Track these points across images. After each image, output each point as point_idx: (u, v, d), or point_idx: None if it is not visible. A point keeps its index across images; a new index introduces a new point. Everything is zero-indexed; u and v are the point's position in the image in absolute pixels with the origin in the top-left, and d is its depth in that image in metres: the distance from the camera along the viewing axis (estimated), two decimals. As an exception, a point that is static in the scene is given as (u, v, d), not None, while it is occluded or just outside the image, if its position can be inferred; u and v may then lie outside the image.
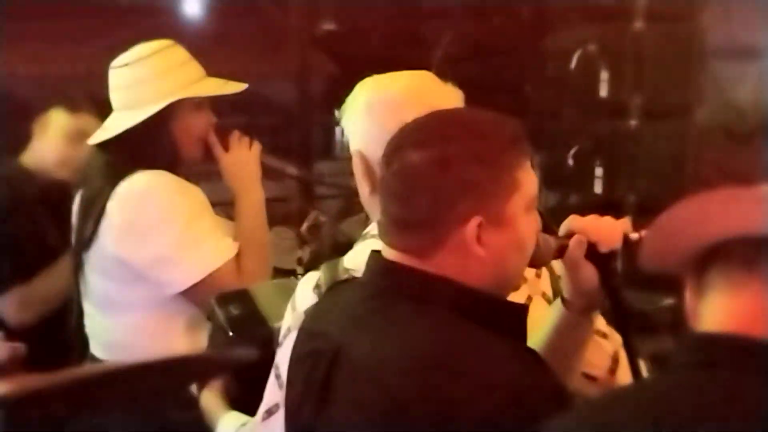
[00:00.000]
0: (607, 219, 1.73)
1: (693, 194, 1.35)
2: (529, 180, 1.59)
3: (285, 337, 1.90)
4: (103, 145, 2.70)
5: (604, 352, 1.97)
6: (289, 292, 2.25)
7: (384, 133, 1.65)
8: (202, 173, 2.84)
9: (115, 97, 2.70)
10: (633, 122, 5.10)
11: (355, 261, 1.78)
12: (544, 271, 2.01)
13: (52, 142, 3.28)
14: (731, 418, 1.21)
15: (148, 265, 2.57)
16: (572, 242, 1.71)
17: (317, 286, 1.98)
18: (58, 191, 3.04)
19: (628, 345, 1.77)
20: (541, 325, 1.82)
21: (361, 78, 2.01)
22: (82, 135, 3.16)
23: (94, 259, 2.67)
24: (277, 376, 1.90)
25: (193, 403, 2.34)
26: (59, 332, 3.19)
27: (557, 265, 1.87)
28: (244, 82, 2.77)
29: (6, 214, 3.00)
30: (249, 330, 2.26)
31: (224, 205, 2.88)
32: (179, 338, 2.62)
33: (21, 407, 1.50)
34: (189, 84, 2.65)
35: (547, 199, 5.78)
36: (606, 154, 5.18)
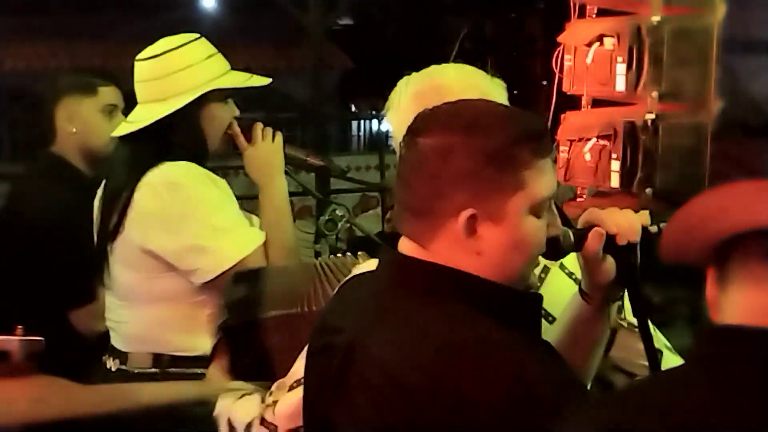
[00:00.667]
0: (626, 212, 1.73)
1: (710, 188, 1.35)
2: (538, 181, 1.57)
3: None
4: (128, 137, 2.70)
5: None
6: (300, 276, 2.28)
7: None
8: (217, 168, 2.84)
9: (140, 89, 2.70)
10: (650, 115, 5.09)
11: None
12: None
13: (91, 124, 3.26)
14: (751, 411, 1.21)
15: (178, 255, 2.57)
16: (591, 235, 1.71)
17: None
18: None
19: (646, 337, 1.77)
20: (559, 310, 1.83)
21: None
22: (111, 108, 3.18)
23: (119, 251, 2.67)
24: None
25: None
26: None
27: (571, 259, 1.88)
28: (261, 76, 2.78)
29: (77, 228, 2.95)
30: (251, 314, 2.27)
31: (243, 200, 2.88)
32: (202, 331, 2.62)
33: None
34: (216, 76, 2.66)
35: (565, 193, 5.78)
36: (623, 148, 5.17)
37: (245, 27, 15.17)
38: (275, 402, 2.08)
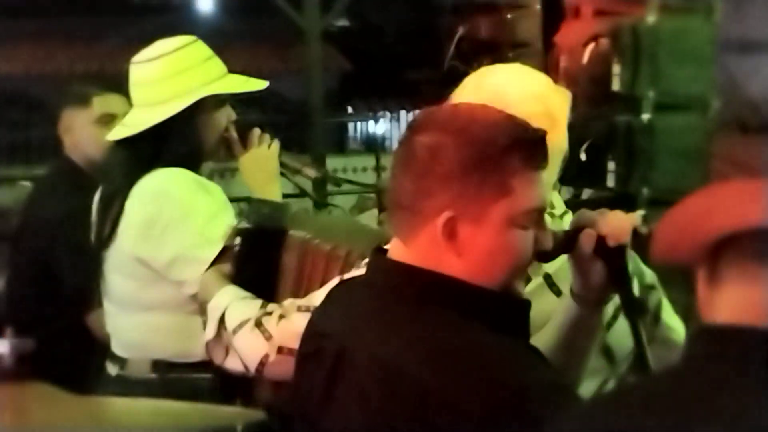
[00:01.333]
0: (617, 213, 1.73)
1: (706, 187, 1.35)
2: (525, 191, 1.57)
3: None
4: (123, 141, 2.70)
5: None
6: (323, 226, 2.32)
7: None
8: (216, 170, 2.84)
9: (136, 93, 2.68)
10: (646, 116, 5.09)
11: None
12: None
13: (84, 136, 3.29)
14: (744, 410, 1.21)
15: (165, 265, 2.56)
16: (582, 236, 1.70)
17: None
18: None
19: (637, 338, 1.77)
20: (549, 317, 1.83)
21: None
22: (111, 117, 3.18)
23: (113, 258, 2.67)
24: None
25: None
26: (82, 330, 3.22)
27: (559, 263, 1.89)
28: (257, 78, 2.77)
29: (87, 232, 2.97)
30: (264, 224, 2.36)
31: (242, 201, 2.88)
32: (198, 339, 2.61)
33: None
34: (212, 80, 2.64)
35: (560, 194, 5.78)
36: (619, 148, 5.17)
37: (241, 29, 15.18)
38: (282, 316, 2.11)
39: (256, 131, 2.69)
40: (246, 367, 2.17)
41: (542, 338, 1.74)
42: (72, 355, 3.17)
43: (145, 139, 2.65)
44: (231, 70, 2.76)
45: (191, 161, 2.64)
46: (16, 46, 15.46)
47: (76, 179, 3.23)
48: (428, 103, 1.98)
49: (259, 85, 2.72)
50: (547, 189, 2.11)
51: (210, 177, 2.79)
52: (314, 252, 2.28)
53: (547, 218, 1.75)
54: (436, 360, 1.46)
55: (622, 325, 1.89)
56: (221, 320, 2.22)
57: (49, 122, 3.45)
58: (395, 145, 1.66)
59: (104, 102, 3.25)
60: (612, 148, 5.19)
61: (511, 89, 1.99)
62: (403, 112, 15.89)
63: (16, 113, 15.91)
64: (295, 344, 1.80)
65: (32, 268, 3.30)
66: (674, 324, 2.13)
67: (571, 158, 5.64)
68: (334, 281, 1.96)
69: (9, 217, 7.13)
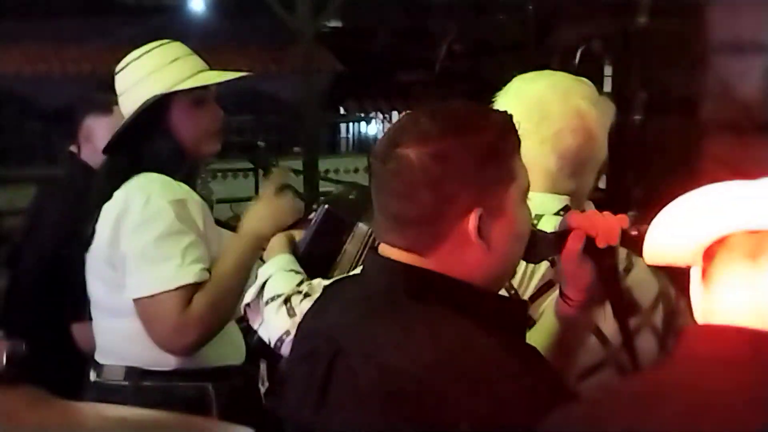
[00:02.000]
0: (606, 214, 1.73)
1: (697, 188, 1.35)
2: (523, 170, 1.61)
3: None
4: (110, 150, 2.70)
5: None
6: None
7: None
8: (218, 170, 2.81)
9: (119, 102, 2.70)
10: (637, 117, 5.11)
11: None
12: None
13: (100, 144, 3.28)
14: (736, 411, 1.22)
15: (118, 267, 2.54)
16: (571, 237, 1.71)
17: None
18: None
19: (626, 339, 1.77)
20: (539, 321, 1.84)
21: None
22: None
23: (89, 261, 2.67)
24: None
25: None
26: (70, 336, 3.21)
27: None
28: (250, 79, 2.75)
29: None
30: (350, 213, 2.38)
31: (234, 202, 2.86)
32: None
33: None
34: (179, 81, 2.61)
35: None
36: (610, 149, 5.19)
37: (234, 30, 15.16)
38: (308, 295, 2.15)
39: (283, 176, 2.70)
40: (269, 339, 2.21)
41: (532, 339, 1.74)
42: (68, 360, 3.17)
43: (124, 146, 2.65)
44: (223, 71, 2.74)
45: (172, 163, 2.62)
46: (7, 46, 15.42)
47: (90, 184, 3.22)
48: (420, 103, 1.98)
49: (228, 76, 2.67)
50: (582, 199, 2.14)
51: (213, 177, 2.78)
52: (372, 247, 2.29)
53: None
54: (436, 360, 1.46)
55: None
56: (262, 287, 2.26)
57: (43, 123, 3.47)
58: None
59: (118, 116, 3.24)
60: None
61: (553, 102, 2.01)
62: (395, 113, 15.89)
63: (8, 114, 15.88)
64: None
65: (40, 270, 3.30)
66: None
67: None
68: None
69: (2, 219, 7.12)
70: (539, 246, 1.68)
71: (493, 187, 1.55)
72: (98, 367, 2.67)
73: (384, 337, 1.52)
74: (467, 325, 1.50)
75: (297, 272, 2.28)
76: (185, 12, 16.94)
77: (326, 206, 2.42)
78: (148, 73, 2.61)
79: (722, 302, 1.32)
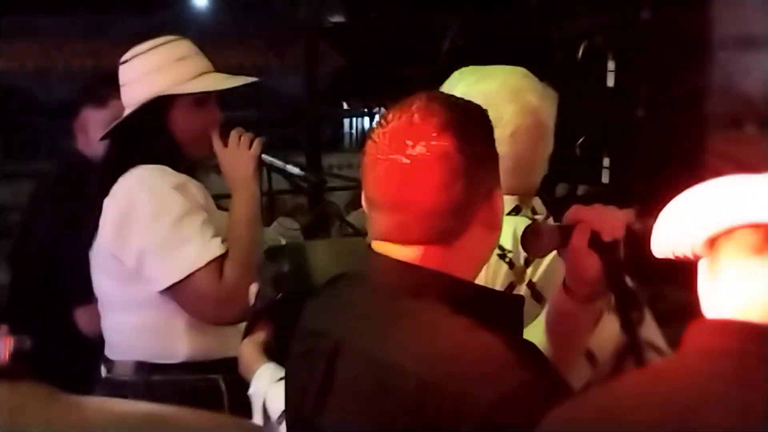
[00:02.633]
0: (611, 208, 1.73)
1: (702, 183, 1.35)
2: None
3: None
4: (109, 142, 2.71)
5: None
6: (341, 252, 2.28)
7: None
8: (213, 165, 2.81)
9: (121, 93, 2.71)
10: (640, 112, 5.10)
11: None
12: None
13: (99, 136, 3.29)
14: (741, 405, 1.22)
15: (134, 262, 2.55)
16: (576, 231, 1.71)
17: None
18: None
19: (631, 334, 1.77)
20: (543, 314, 1.84)
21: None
22: None
23: (95, 257, 2.67)
24: None
25: None
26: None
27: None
28: (253, 75, 2.75)
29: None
30: (295, 287, 2.28)
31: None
32: (179, 340, 2.60)
33: None
34: (183, 81, 2.62)
35: (556, 189, 5.78)
36: (614, 143, 5.18)
37: (237, 25, 15.17)
38: None
39: (237, 131, 2.67)
40: None
41: (535, 333, 1.74)
42: (74, 354, 3.18)
43: (122, 139, 2.67)
44: (225, 66, 2.75)
45: (169, 159, 2.63)
46: (12, 42, 15.43)
47: (87, 175, 3.22)
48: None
49: (236, 82, 2.69)
50: (532, 196, 2.13)
51: (207, 173, 2.79)
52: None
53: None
54: (436, 358, 1.46)
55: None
56: (264, 409, 2.18)
57: (47, 118, 3.48)
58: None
59: (120, 104, 3.24)
60: (607, 143, 5.20)
61: (505, 101, 2.00)
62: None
63: (11, 109, 15.90)
64: None
65: (39, 264, 3.30)
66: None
67: (566, 154, 5.66)
68: None
69: (6, 214, 7.14)
70: (544, 239, 1.68)
71: (497, 167, 1.62)
72: (108, 363, 2.68)
73: (385, 334, 1.53)
74: (466, 322, 1.51)
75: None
76: (188, 6, 16.95)
77: (277, 297, 2.36)
78: (151, 70, 2.62)
79: (728, 296, 1.32)
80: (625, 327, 1.75)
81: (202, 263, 2.50)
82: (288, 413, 1.76)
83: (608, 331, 1.87)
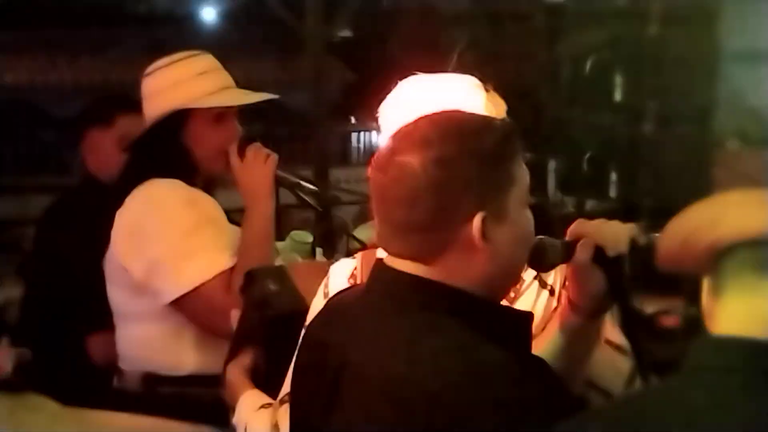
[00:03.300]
0: (615, 223, 1.73)
1: (707, 198, 1.35)
2: (523, 174, 1.60)
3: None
4: (128, 154, 2.73)
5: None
6: (323, 274, 2.27)
7: None
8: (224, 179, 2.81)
9: (143, 106, 2.72)
10: (648, 127, 5.11)
11: None
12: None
13: (108, 156, 3.29)
14: (743, 422, 1.22)
15: (143, 274, 2.55)
16: (579, 246, 1.71)
17: (353, 276, 2.01)
18: None
19: (636, 349, 1.77)
20: (547, 329, 1.83)
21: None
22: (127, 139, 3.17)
23: (107, 268, 2.68)
24: None
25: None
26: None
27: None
28: (261, 89, 2.75)
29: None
30: (284, 307, 2.25)
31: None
32: (188, 352, 2.60)
33: None
34: (202, 95, 2.63)
35: (563, 204, 5.78)
36: (621, 159, 5.19)
37: (244, 39, 15.18)
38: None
39: (254, 145, 2.67)
40: None
41: (540, 348, 1.74)
42: (87, 367, 3.18)
43: (139, 152, 2.68)
44: (234, 80, 2.74)
45: (184, 173, 2.64)
46: (20, 55, 15.47)
47: (96, 194, 3.22)
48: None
49: (254, 98, 2.69)
50: None
51: (216, 186, 2.79)
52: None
53: None
54: (445, 371, 1.45)
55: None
56: None
57: (55, 132, 3.47)
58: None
59: (127, 121, 3.23)
60: (614, 158, 5.21)
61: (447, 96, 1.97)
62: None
63: (19, 123, 15.93)
64: None
65: (52, 282, 3.30)
66: None
67: (573, 169, 5.67)
68: None
69: (13, 228, 7.13)
70: (548, 254, 1.67)
71: (494, 192, 1.55)
72: (119, 374, 2.69)
73: (394, 348, 1.52)
74: (475, 336, 1.50)
75: (266, 405, 2.14)
76: (196, 21, 16.98)
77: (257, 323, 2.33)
78: (171, 84, 2.63)
79: (732, 312, 1.32)
80: (630, 343, 1.75)
81: (210, 276, 2.51)
82: (293, 424, 1.75)
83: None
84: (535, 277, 1.94)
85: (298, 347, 1.77)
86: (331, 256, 3.13)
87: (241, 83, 2.80)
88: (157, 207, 2.56)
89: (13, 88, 15.35)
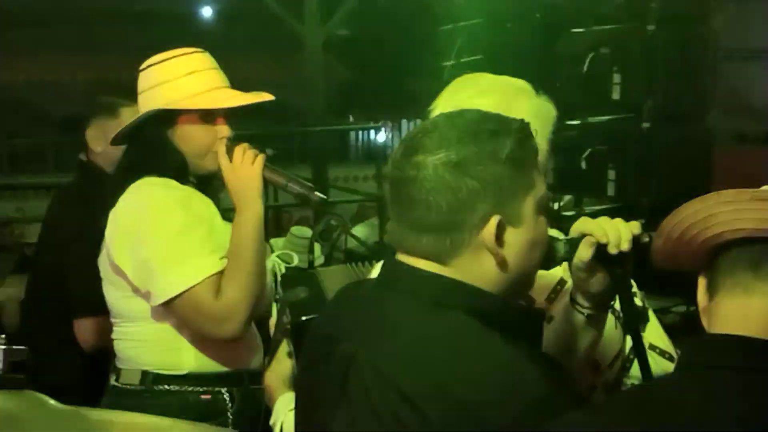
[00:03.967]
0: (617, 221, 1.73)
1: (702, 196, 1.36)
2: (540, 179, 1.59)
3: None
4: (123, 154, 2.73)
5: None
6: (350, 279, 2.26)
7: None
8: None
9: (139, 101, 2.72)
10: (645, 125, 5.11)
11: None
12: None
13: (112, 146, 3.30)
14: (737, 419, 1.23)
15: (134, 275, 2.55)
16: (582, 244, 1.71)
17: None
18: None
19: (637, 346, 1.78)
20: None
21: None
22: None
23: (101, 266, 2.68)
24: None
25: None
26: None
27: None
28: (259, 88, 2.74)
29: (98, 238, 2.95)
30: (313, 313, 2.25)
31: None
32: (184, 352, 2.60)
33: None
34: (189, 95, 2.61)
35: (561, 202, 5.78)
36: (619, 157, 5.18)
37: (243, 38, 15.19)
38: None
39: (242, 146, 2.65)
40: None
41: (544, 344, 1.74)
42: (86, 364, 3.19)
43: (131, 149, 2.69)
44: (232, 79, 2.73)
45: (177, 172, 2.63)
46: (18, 54, 15.48)
47: (103, 186, 3.23)
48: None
49: (244, 100, 2.65)
50: None
51: (211, 184, 2.79)
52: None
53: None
54: (455, 367, 1.45)
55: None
56: None
57: (54, 131, 3.48)
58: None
59: (132, 113, 3.24)
60: (612, 157, 5.20)
61: (492, 105, 1.97)
62: (404, 122, 15.89)
63: (20, 122, 15.93)
64: None
65: (56, 275, 3.32)
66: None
67: (572, 167, 5.64)
68: None
69: (13, 226, 7.11)
70: (550, 252, 1.68)
71: (512, 195, 1.53)
72: (117, 372, 2.69)
73: (402, 344, 1.51)
74: (486, 332, 1.49)
75: None
76: (195, 19, 16.98)
77: (288, 328, 2.35)
78: (160, 82, 2.62)
79: (725, 310, 1.32)
80: (632, 339, 1.76)
81: (198, 280, 2.48)
82: (298, 417, 1.75)
83: (612, 341, 1.88)
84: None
85: (305, 341, 1.77)
86: (330, 253, 3.12)
87: (240, 82, 2.78)
88: (147, 208, 2.55)
89: (12, 88, 15.37)
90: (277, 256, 2.80)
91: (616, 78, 5.17)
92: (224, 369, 2.61)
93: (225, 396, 2.61)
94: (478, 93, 2.02)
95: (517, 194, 1.53)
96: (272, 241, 3.13)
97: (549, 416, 1.38)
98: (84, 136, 3.43)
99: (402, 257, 1.58)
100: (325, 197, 2.81)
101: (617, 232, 1.69)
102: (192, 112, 2.61)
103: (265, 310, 2.61)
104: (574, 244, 1.71)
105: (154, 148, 2.62)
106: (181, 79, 2.61)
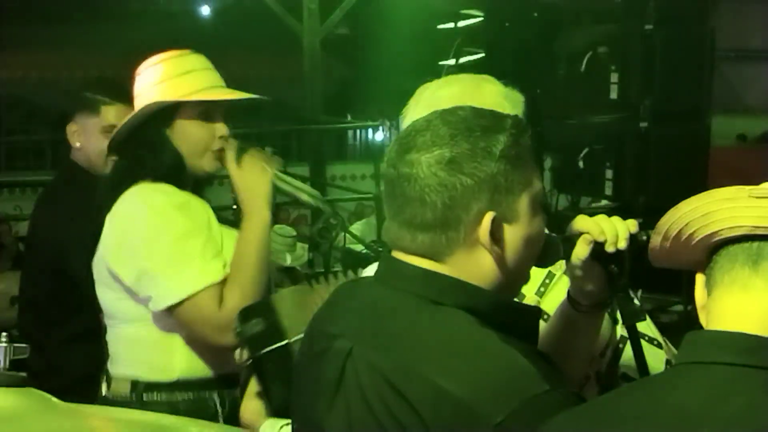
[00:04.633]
0: (614, 219, 1.73)
1: (700, 194, 1.36)
2: (536, 175, 1.58)
3: None
4: (117, 153, 2.71)
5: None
6: (307, 300, 2.25)
7: None
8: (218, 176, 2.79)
9: (135, 104, 2.71)
10: (643, 124, 5.10)
11: None
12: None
13: (92, 144, 3.30)
14: (734, 416, 1.22)
15: (133, 280, 2.53)
16: (579, 242, 1.71)
17: None
18: None
19: (635, 344, 1.78)
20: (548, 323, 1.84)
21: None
22: (112, 128, 3.14)
23: (96, 269, 2.67)
24: None
25: None
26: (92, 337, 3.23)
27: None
28: (257, 86, 2.74)
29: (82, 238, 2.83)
30: (271, 344, 2.25)
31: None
32: (176, 355, 2.59)
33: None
34: (185, 94, 2.60)
35: (559, 201, 5.79)
36: (617, 156, 5.18)
37: (241, 36, 15.18)
38: None
39: (252, 152, 2.64)
40: None
41: (540, 341, 1.74)
42: (79, 364, 3.19)
43: (127, 151, 2.67)
44: (230, 77, 2.73)
45: (172, 174, 2.61)
46: (15, 51, 15.47)
47: (84, 184, 3.22)
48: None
49: (237, 95, 2.66)
50: None
51: (210, 184, 2.78)
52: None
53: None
54: (450, 364, 1.45)
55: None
56: None
57: (50, 128, 3.49)
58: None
59: (114, 111, 3.25)
60: (609, 156, 5.20)
61: (470, 104, 1.97)
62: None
63: (15, 119, 15.93)
64: None
65: (43, 275, 3.32)
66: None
67: (569, 166, 5.65)
68: None
69: (9, 223, 7.12)
70: (547, 250, 1.67)
71: (506, 192, 1.53)
72: (108, 379, 2.67)
73: (397, 339, 1.51)
74: (482, 330, 1.49)
75: (285, 425, 2.16)
76: (192, 18, 16.97)
77: (251, 361, 2.31)
78: (156, 83, 2.62)
79: (723, 307, 1.32)
80: (630, 337, 1.76)
81: (201, 286, 2.48)
82: (295, 414, 1.75)
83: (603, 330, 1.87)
84: (565, 272, 1.94)
85: (303, 337, 1.77)
86: (328, 252, 3.12)
87: (237, 80, 2.78)
88: (146, 214, 2.53)
89: (7, 85, 15.36)
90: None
91: (614, 77, 5.17)
92: (215, 372, 2.60)
93: (216, 400, 2.60)
94: (442, 85, 2.03)
95: (512, 191, 1.53)
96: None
97: (544, 413, 1.38)
98: (64, 131, 3.41)
99: (398, 255, 1.58)
100: (336, 212, 2.78)
101: (614, 231, 1.70)
102: (190, 110, 2.60)
103: None
104: (570, 242, 1.71)
105: (152, 147, 2.61)
106: (175, 79, 2.61)
